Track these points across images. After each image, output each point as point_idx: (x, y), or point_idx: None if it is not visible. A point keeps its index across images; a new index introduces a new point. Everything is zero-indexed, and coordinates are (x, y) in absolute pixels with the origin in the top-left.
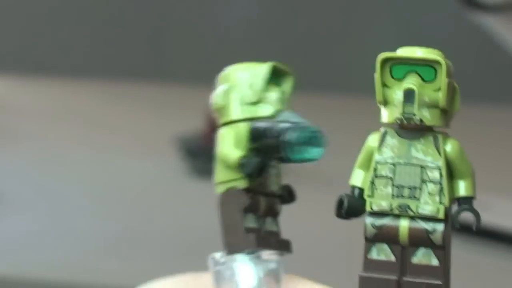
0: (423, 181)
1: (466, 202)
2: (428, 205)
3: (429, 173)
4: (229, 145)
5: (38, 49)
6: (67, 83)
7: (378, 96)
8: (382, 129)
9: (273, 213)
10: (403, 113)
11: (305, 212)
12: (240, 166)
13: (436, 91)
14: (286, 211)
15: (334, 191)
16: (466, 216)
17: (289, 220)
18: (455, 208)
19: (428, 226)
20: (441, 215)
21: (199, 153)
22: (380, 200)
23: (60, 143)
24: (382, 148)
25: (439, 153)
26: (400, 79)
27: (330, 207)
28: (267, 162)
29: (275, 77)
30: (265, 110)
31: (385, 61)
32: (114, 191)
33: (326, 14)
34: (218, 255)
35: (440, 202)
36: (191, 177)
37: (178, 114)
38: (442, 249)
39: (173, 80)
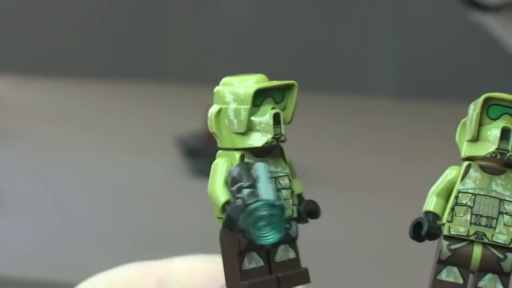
0: (500, 213)
1: None
2: (503, 234)
3: (506, 206)
4: (218, 183)
5: (38, 49)
6: (67, 83)
7: (474, 132)
8: (465, 163)
9: (287, 240)
10: (498, 148)
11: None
12: (224, 212)
13: None
14: None
15: (336, 190)
16: None
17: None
18: None
19: (500, 253)
20: None
21: (199, 154)
22: (458, 225)
23: (60, 143)
24: (465, 180)
25: None
26: (494, 119)
27: (334, 207)
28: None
29: (274, 91)
30: (255, 140)
31: (486, 100)
32: (114, 191)
33: (327, 14)
34: None
35: None
36: (191, 177)
37: (178, 115)
38: (508, 276)
39: (173, 80)
